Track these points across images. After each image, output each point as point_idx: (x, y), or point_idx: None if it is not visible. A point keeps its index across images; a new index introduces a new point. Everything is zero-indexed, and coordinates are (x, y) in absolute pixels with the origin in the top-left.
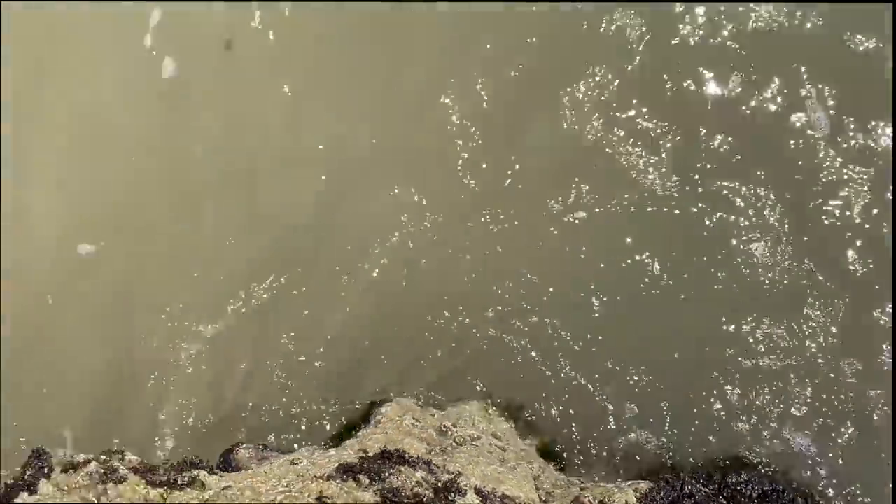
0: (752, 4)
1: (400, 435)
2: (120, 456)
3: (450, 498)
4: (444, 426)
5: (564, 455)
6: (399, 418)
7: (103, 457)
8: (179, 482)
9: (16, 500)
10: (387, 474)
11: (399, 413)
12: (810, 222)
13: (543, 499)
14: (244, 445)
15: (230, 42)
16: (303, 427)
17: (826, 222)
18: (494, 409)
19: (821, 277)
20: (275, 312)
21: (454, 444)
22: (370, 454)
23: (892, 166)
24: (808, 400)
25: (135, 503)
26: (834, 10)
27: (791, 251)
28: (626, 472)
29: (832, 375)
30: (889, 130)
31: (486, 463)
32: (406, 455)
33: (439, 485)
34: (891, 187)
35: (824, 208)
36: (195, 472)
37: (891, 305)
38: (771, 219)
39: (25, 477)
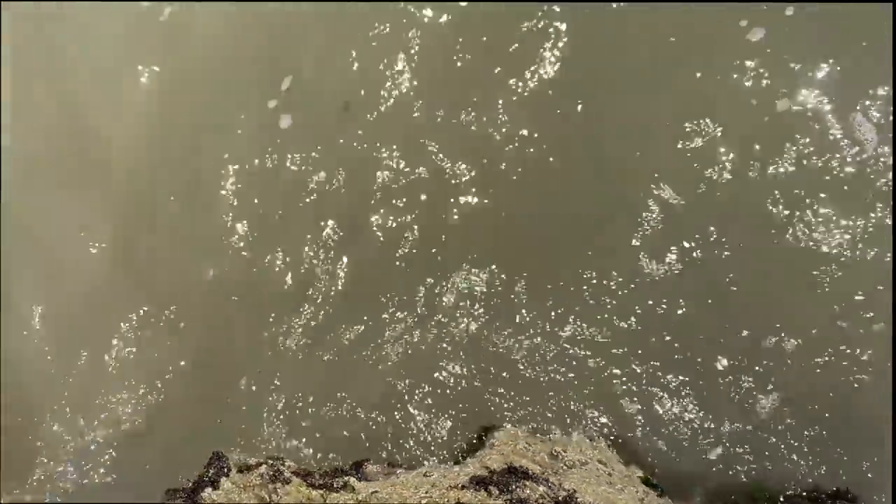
0: None
1: (515, 457)
2: (282, 461)
3: None
4: (555, 451)
5: (664, 482)
6: (512, 442)
7: (270, 461)
8: (335, 486)
9: (202, 494)
10: (514, 486)
11: (511, 438)
12: None
13: None
14: (371, 461)
15: (348, 104)
16: (414, 449)
17: None
18: (599, 438)
19: None
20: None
21: (565, 466)
22: (497, 469)
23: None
24: None
25: (300, 503)
26: None
27: None
28: (721, 499)
29: None
30: None
31: (597, 483)
32: (529, 471)
33: (559, 498)
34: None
35: None
36: (345, 478)
37: None
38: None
39: (209, 475)
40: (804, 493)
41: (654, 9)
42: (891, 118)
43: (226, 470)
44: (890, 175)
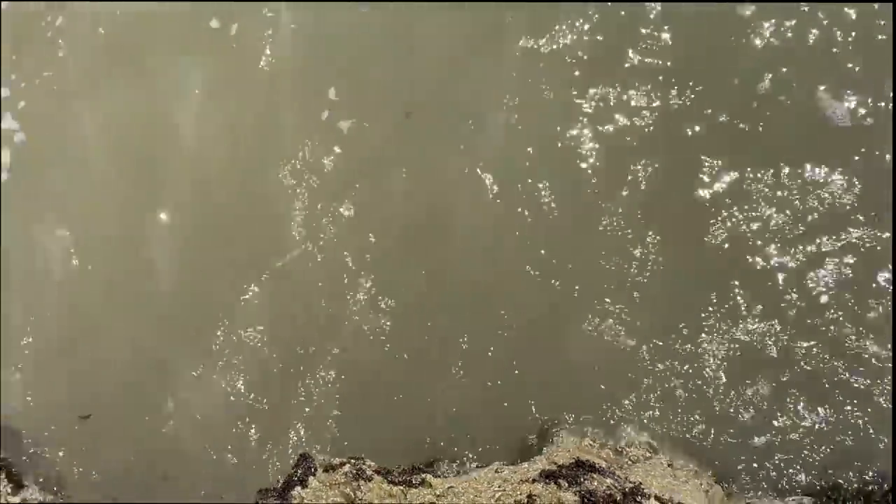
0: None
1: (580, 453)
2: (363, 460)
3: (637, 499)
4: (619, 447)
5: (729, 476)
6: (577, 439)
7: (353, 460)
8: (413, 482)
9: (292, 493)
10: (582, 479)
11: (576, 435)
12: None
13: None
14: (444, 461)
15: (410, 113)
16: (481, 450)
17: None
18: (661, 435)
19: None
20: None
21: (629, 461)
22: (565, 464)
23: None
24: None
25: (383, 501)
26: None
27: None
28: (789, 491)
29: None
30: None
31: (661, 477)
32: (596, 465)
33: (626, 490)
34: None
35: None
36: (423, 475)
37: None
38: None
39: (297, 475)
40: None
41: None
42: None
43: (312, 469)
44: None
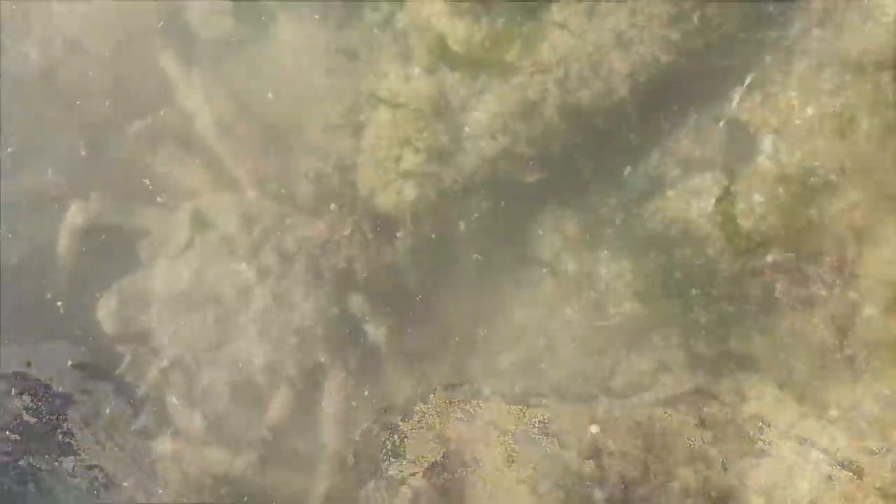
0: None
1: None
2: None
3: (759, 425)
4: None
5: None
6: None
7: (468, 383)
8: (531, 402)
9: (414, 408)
10: (701, 405)
11: (686, 371)
12: None
13: None
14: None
15: None
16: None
17: None
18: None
19: None
20: None
21: (746, 397)
22: (684, 391)
23: None
24: None
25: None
26: None
27: None
28: None
29: None
30: None
31: (782, 410)
32: (714, 393)
33: (746, 416)
34: None
35: None
36: (540, 398)
37: None
38: None
39: (417, 393)
40: None
41: None
42: None
43: (432, 388)
44: None
